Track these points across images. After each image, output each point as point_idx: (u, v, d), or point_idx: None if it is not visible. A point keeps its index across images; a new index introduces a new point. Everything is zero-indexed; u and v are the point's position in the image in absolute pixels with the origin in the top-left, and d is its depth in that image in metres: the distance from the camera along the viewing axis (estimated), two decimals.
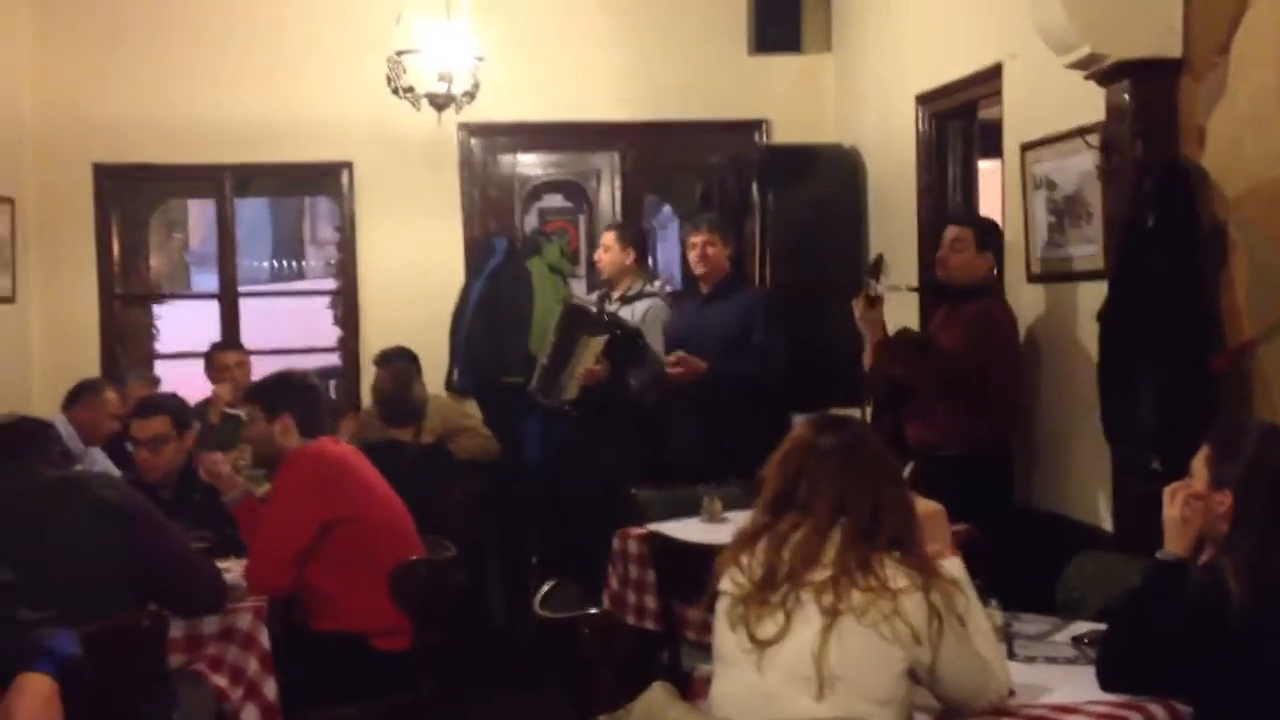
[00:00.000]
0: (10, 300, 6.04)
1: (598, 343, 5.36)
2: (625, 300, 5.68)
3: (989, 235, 4.67)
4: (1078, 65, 3.94)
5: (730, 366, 5.26)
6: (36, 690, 2.26)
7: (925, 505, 2.47)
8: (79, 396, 5.16)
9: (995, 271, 4.72)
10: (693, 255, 5.50)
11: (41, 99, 6.31)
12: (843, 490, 2.33)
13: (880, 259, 4.68)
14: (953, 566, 2.40)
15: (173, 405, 4.25)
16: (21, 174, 6.23)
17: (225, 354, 5.87)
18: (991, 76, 4.95)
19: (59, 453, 3.28)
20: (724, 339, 5.34)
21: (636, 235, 5.86)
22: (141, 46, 6.39)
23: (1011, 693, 2.41)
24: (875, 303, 4.54)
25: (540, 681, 3.42)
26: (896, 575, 2.26)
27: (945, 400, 4.47)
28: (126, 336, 6.76)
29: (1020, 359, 4.63)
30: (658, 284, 6.27)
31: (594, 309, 5.60)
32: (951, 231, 4.66)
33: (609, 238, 5.77)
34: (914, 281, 5.28)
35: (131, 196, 6.86)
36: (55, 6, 6.35)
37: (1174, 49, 3.78)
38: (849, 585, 2.25)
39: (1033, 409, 4.68)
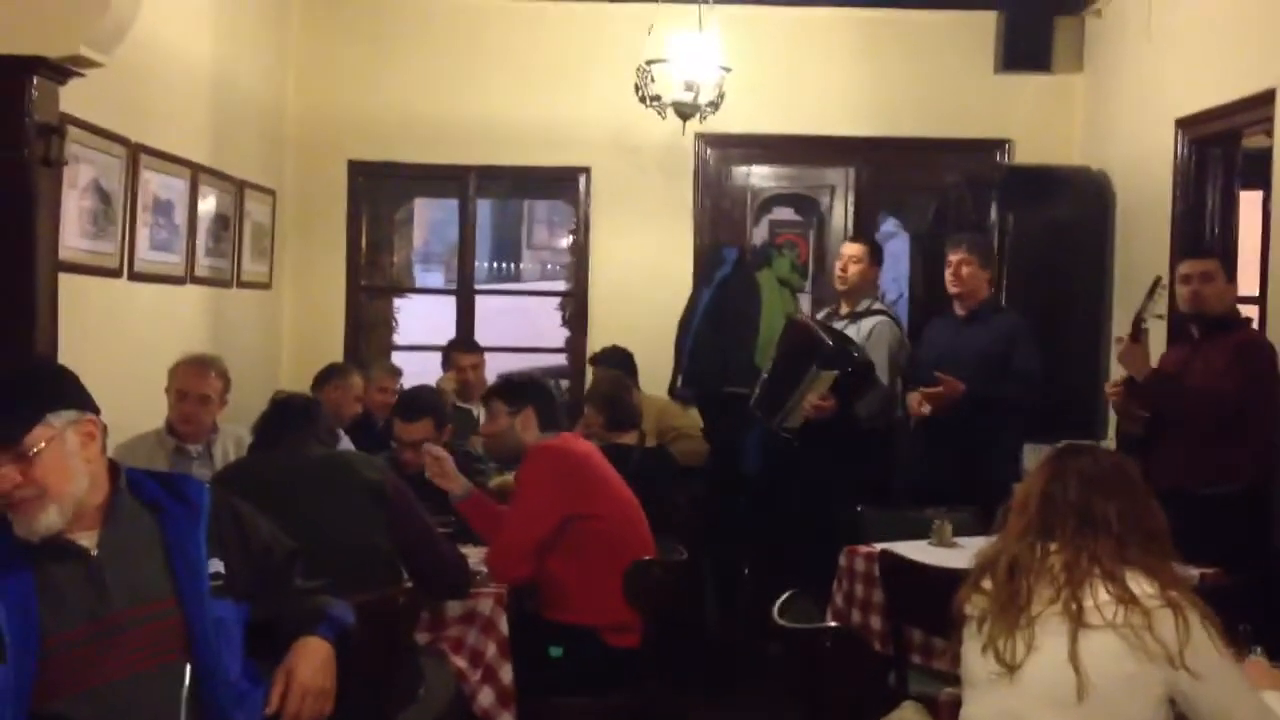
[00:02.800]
0: (267, 286, 6.38)
1: (828, 377, 5.19)
2: (854, 317, 5.55)
3: (1229, 266, 4.58)
4: None
5: (989, 389, 5.05)
6: (317, 653, 2.39)
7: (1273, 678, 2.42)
8: (328, 378, 5.39)
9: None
10: (948, 274, 5.28)
11: (304, 97, 6.67)
12: (1077, 513, 2.31)
13: (1159, 281, 4.48)
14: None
15: (434, 406, 4.31)
16: (282, 167, 6.57)
17: (463, 355, 6.05)
18: (1262, 103, 4.72)
19: (326, 430, 3.44)
20: (984, 361, 5.13)
21: (880, 252, 5.75)
22: (398, 50, 6.69)
23: None
24: (1140, 336, 4.40)
25: (764, 690, 3.43)
26: (1145, 592, 2.22)
27: (1202, 436, 4.28)
28: (368, 326, 7.07)
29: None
30: (889, 303, 6.16)
31: (826, 336, 5.35)
32: (1198, 265, 4.53)
33: (859, 250, 5.57)
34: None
35: (380, 193, 7.16)
36: (321, 11, 6.70)
37: None
38: (1094, 593, 2.23)
39: None
